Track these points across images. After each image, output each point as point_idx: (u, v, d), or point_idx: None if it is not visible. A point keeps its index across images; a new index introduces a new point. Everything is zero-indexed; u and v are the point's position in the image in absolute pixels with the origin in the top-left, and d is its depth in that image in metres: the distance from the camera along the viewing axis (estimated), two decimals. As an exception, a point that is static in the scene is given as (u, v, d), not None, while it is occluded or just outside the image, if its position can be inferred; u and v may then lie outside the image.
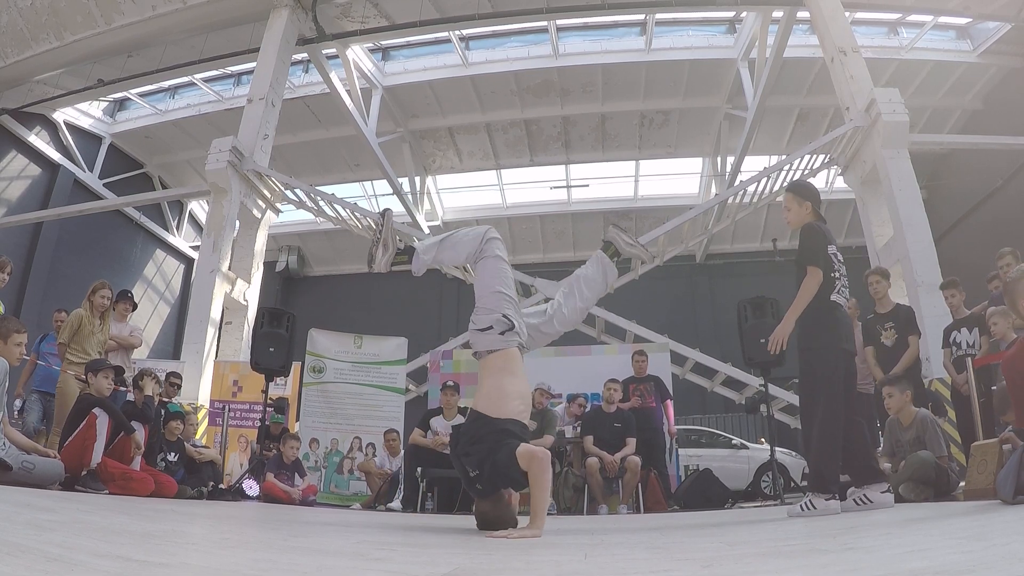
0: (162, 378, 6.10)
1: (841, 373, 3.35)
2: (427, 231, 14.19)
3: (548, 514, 5.69)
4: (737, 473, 9.51)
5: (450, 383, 6.51)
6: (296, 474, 6.19)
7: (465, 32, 12.59)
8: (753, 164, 13.45)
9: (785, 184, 8.86)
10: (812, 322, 3.36)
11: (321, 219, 11.78)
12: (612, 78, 13.05)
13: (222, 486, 6.06)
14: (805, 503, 3.25)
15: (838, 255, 3.54)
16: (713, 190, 14.49)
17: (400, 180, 14.32)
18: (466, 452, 2.78)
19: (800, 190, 3.67)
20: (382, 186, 15.44)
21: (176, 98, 14.34)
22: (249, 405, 7.82)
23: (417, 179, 14.98)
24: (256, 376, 6.97)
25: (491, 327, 2.94)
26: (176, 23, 10.75)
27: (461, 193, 16.58)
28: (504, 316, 2.95)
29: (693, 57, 12.64)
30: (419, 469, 5.77)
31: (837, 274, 3.45)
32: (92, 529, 1.76)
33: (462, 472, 2.81)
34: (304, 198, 10.72)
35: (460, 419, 6.22)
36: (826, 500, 3.18)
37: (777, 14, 10.76)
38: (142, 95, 13.97)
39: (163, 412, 5.81)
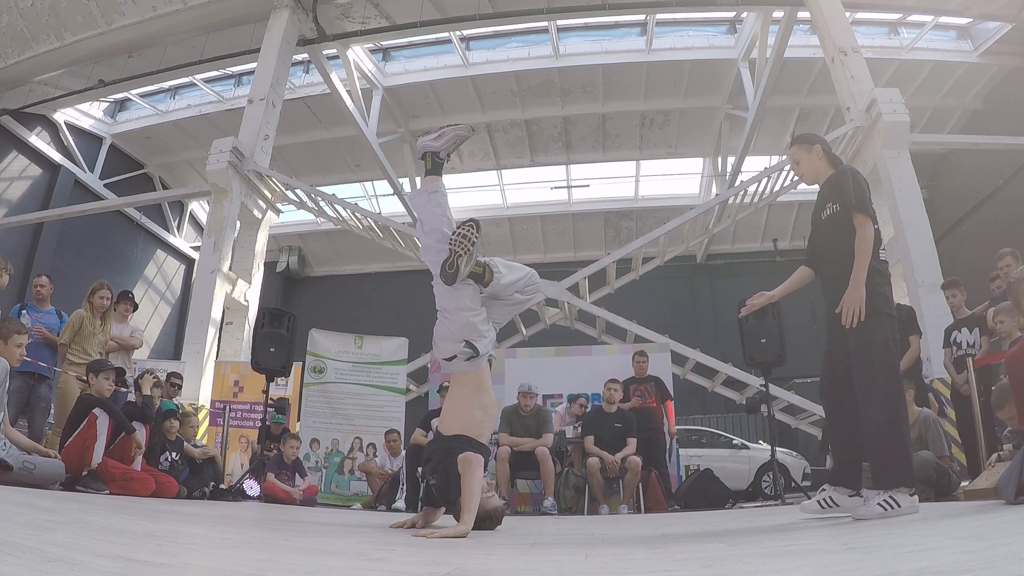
0: (163, 378, 6.10)
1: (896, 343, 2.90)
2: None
3: (549, 514, 5.72)
4: (738, 473, 9.51)
5: (447, 384, 6.49)
6: (297, 474, 6.20)
7: (466, 32, 12.60)
8: (754, 164, 13.47)
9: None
10: (869, 282, 2.83)
11: (322, 219, 11.79)
12: (613, 78, 13.05)
13: (223, 486, 6.06)
14: (885, 500, 2.66)
15: None
16: (714, 190, 14.49)
17: (401, 180, 14.31)
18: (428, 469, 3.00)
19: (804, 135, 3.24)
20: (383, 186, 15.45)
21: (177, 99, 14.34)
22: (250, 405, 7.83)
23: (418, 179, 14.94)
24: (257, 376, 6.98)
25: (455, 356, 2.93)
26: (177, 23, 10.76)
27: (462, 193, 16.57)
28: (467, 344, 2.89)
29: (694, 57, 12.64)
30: (420, 469, 5.74)
31: (879, 227, 2.95)
32: (93, 529, 1.76)
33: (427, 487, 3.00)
34: (305, 198, 10.73)
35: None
36: (910, 495, 2.68)
37: (778, 14, 10.75)
38: (143, 96, 13.98)
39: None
